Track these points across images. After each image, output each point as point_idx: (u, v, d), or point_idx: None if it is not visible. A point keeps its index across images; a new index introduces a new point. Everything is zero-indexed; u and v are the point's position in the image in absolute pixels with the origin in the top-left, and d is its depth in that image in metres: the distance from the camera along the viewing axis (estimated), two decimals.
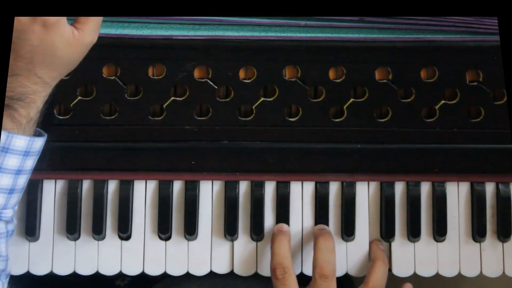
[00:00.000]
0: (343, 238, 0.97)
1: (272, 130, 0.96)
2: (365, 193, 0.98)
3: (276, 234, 0.95)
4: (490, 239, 0.97)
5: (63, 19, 0.81)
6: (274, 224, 0.97)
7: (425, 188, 0.98)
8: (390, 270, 0.97)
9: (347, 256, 0.97)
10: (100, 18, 0.85)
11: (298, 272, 0.97)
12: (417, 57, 0.95)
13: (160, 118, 0.95)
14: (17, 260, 0.95)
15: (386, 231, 0.97)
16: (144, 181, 0.97)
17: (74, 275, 0.97)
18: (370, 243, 0.97)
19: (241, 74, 0.96)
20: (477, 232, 0.97)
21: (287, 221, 0.97)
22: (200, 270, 0.97)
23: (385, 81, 0.96)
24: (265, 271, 0.97)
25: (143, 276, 0.98)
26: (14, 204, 0.86)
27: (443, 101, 0.96)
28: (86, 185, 0.97)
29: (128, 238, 0.97)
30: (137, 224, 0.97)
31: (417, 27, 0.95)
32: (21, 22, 0.79)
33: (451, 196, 0.97)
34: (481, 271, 0.97)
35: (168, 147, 0.95)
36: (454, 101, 0.96)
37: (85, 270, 0.97)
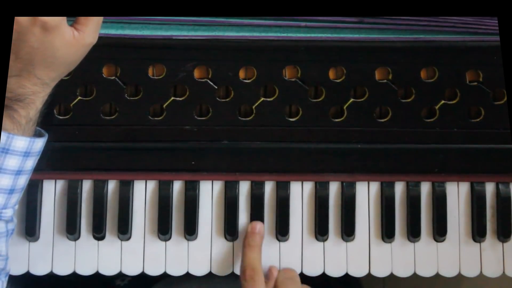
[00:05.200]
0: (343, 238, 0.97)
1: (272, 130, 0.96)
2: (365, 193, 0.98)
3: (249, 235, 0.95)
4: (490, 239, 0.97)
5: (64, 21, 0.81)
6: (274, 224, 0.97)
7: (425, 188, 0.98)
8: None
9: (347, 256, 0.97)
10: (100, 19, 0.84)
11: (298, 272, 0.97)
12: (417, 57, 0.95)
13: (160, 118, 0.95)
14: (17, 260, 0.96)
15: (386, 231, 0.97)
16: (144, 181, 0.97)
17: (74, 275, 0.97)
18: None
19: (241, 74, 0.96)
20: (477, 232, 0.97)
21: (287, 221, 0.97)
22: (200, 270, 0.97)
23: (385, 81, 0.96)
24: (266, 271, 0.97)
25: (143, 276, 0.98)
26: (14, 203, 0.86)
27: (443, 101, 0.96)
28: (86, 185, 0.97)
29: (128, 238, 0.97)
30: (137, 224, 0.97)
31: (417, 27, 0.95)
32: (21, 23, 0.79)
33: (451, 196, 0.97)
34: (481, 271, 0.97)
35: (168, 147, 0.95)
36: (454, 101, 0.96)
37: (85, 270, 0.97)
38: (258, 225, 0.96)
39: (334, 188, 0.98)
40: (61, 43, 0.81)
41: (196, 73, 0.96)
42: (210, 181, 0.98)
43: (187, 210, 0.97)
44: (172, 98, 0.95)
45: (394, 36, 0.95)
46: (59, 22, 0.80)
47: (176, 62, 0.95)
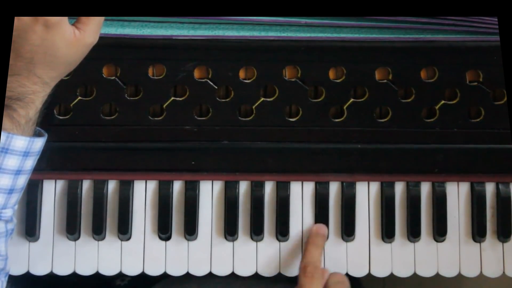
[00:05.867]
0: (343, 238, 0.97)
1: (272, 130, 0.96)
2: (365, 193, 0.98)
3: (314, 235, 0.95)
4: (490, 239, 0.97)
5: (65, 19, 0.81)
6: (274, 224, 0.97)
7: (425, 188, 0.98)
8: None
9: (347, 256, 0.97)
10: (101, 19, 0.85)
11: (298, 272, 0.97)
12: (417, 57, 0.95)
13: (160, 118, 0.95)
14: (17, 260, 0.95)
15: (386, 231, 0.97)
16: (144, 181, 0.97)
17: (74, 275, 0.97)
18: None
19: (241, 74, 0.96)
20: (477, 232, 0.97)
21: (287, 221, 0.97)
22: (200, 270, 0.97)
23: (385, 81, 0.96)
24: (266, 271, 0.97)
25: (143, 276, 0.98)
26: (14, 203, 0.86)
27: (443, 101, 0.96)
28: (86, 185, 0.97)
29: (128, 238, 0.97)
30: (137, 224, 0.97)
31: (417, 26, 0.95)
32: (22, 21, 0.79)
33: (451, 196, 0.97)
34: (481, 271, 0.97)
35: (168, 147, 0.95)
36: (454, 101, 0.96)
37: (85, 270, 0.97)
38: (323, 226, 0.96)
39: (334, 188, 0.98)
40: (62, 41, 0.81)
41: (196, 73, 0.96)
42: (210, 181, 0.98)
43: (187, 210, 0.97)
44: (172, 98, 0.95)
45: (394, 36, 0.95)
46: (61, 19, 0.80)
47: (176, 62, 0.95)
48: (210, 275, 0.97)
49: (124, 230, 0.96)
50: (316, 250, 0.94)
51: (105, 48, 0.91)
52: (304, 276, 0.92)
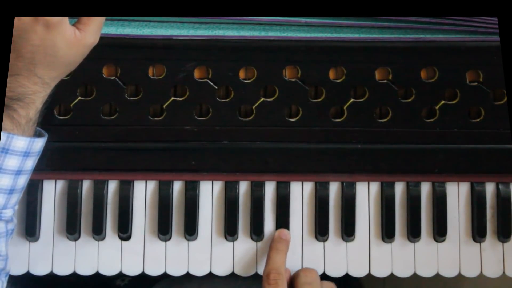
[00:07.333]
0: (343, 238, 0.97)
1: (272, 130, 0.96)
2: (365, 193, 0.98)
3: (276, 240, 0.95)
4: (490, 239, 0.97)
5: (65, 20, 0.81)
6: (274, 224, 0.97)
7: (425, 188, 0.98)
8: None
9: (347, 256, 0.97)
10: (102, 20, 0.84)
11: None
12: (417, 57, 0.95)
13: (160, 118, 0.95)
14: (17, 260, 0.95)
15: (386, 231, 0.97)
16: (144, 181, 0.97)
17: (74, 275, 0.97)
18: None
19: (241, 74, 0.96)
20: (477, 232, 0.97)
21: (287, 221, 0.97)
22: (200, 270, 0.97)
23: (385, 81, 0.96)
24: None
25: (143, 276, 0.98)
26: (14, 203, 0.86)
27: (443, 101, 0.96)
28: (86, 185, 0.97)
29: (128, 238, 0.97)
30: (137, 224, 0.97)
31: (417, 26, 0.95)
32: (23, 21, 0.79)
33: (451, 196, 0.97)
34: (481, 271, 0.97)
35: (168, 147, 0.95)
36: (454, 101, 0.96)
37: (85, 270, 0.97)
38: (285, 231, 0.96)
39: (334, 188, 0.98)
40: (63, 41, 0.81)
41: (196, 73, 0.96)
42: (210, 181, 0.98)
43: (187, 210, 0.97)
44: (172, 98, 0.95)
45: (394, 36, 0.95)
46: (61, 19, 0.80)
47: (176, 62, 0.95)
48: (210, 275, 0.97)
49: (124, 230, 0.96)
50: (279, 256, 0.94)
51: (105, 48, 0.91)
52: (268, 284, 0.91)
